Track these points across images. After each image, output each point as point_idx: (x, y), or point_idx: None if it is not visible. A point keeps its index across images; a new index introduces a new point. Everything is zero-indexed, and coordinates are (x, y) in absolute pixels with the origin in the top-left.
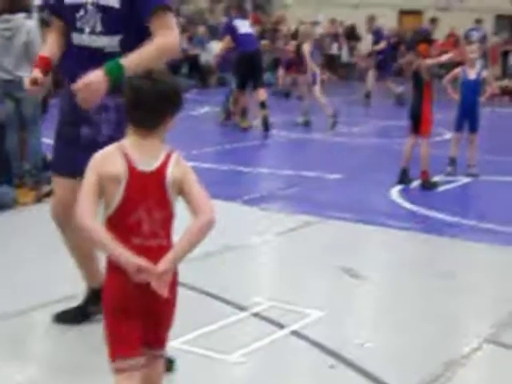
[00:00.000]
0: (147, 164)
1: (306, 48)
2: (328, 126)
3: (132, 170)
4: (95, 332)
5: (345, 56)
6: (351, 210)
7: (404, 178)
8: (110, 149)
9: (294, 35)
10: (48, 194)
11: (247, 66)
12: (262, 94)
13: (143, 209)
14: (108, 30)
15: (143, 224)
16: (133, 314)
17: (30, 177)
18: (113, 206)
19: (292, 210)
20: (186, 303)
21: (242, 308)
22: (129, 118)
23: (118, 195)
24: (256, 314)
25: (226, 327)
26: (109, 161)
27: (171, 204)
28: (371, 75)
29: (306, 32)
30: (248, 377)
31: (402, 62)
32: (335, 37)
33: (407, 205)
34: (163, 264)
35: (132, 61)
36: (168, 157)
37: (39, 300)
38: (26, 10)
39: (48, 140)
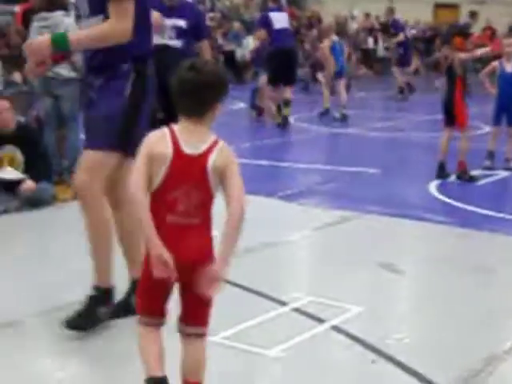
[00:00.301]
0: (193, 148)
1: (326, 44)
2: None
3: (177, 152)
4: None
5: (380, 50)
6: (389, 205)
7: (442, 173)
8: (161, 130)
9: None
10: None
11: (281, 63)
12: (288, 91)
13: (182, 189)
14: (93, 12)
15: (179, 203)
16: (165, 282)
17: (68, 173)
18: (155, 183)
19: (330, 205)
20: (226, 299)
21: (281, 303)
22: (177, 106)
23: (161, 174)
24: (296, 309)
25: (266, 322)
26: (159, 142)
27: (210, 188)
28: (395, 70)
29: (325, 28)
30: (288, 371)
31: (437, 56)
32: (370, 31)
33: (445, 199)
34: (216, 266)
35: (77, 37)
36: (214, 144)
37: (79, 296)
38: (64, 7)
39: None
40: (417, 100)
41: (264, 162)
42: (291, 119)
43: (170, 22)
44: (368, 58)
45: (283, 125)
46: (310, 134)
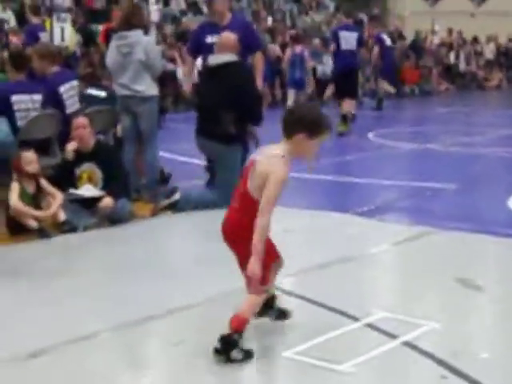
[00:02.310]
0: (259, 155)
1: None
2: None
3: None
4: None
5: (462, 65)
6: (468, 221)
7: None
8: None
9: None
10: (166, 208)
11: (342, 82)
12: (348, 105)
13: (240, 183)
14: None
15: (236, 192)
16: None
17: (146, 191)
18: None
19: (407, 220)
20: (300, 314)
21: (355, 318)
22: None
23: None
24: (369, 325)
25: (339, 338)
26: None
27: (247, 182)
28: (379, 80)
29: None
30: None
31: None
32: (451, 46)
33: None
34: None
35: None
36: (271, 153)
37: (150, 311)
38: (142, 26)
39: (165, 154)
40: (499, 114)
41: (342, 179)
42: (370, 135)
43: None
44: (449, 73)
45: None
46: (389, 150)
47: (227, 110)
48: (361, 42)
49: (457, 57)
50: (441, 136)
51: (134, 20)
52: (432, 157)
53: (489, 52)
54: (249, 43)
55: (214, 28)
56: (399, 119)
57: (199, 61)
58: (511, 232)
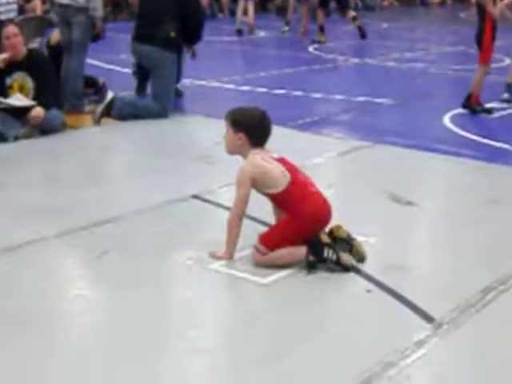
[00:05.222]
0: None
1: None
2: None
3: None
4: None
5: None
6: (403, 136)
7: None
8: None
9: None
10: (104, 114)
11: None
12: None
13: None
14: None
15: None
16: None
17: (68, 100)
18: None
19: (344, 134)
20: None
21: None
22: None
23: None
24: None
25: None
26: None
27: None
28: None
29: None
30: (280, 298)
31: None
32: None
33: (460, 131)
34: None
35: None
36: None
37: (79, 221)
38: None
39: (101, 63)
40: (442, 31)
41: (282, 91)
42: (310, 48)
43: None
44: None
45: None
46: (329, 64)
47: (171, 18)
48: None
49: None
50: (381, 51)
51: None
52: (371, 72)
53: None
54: None
55: None
56: (341, 33)
57: None
58: (446, 148)
